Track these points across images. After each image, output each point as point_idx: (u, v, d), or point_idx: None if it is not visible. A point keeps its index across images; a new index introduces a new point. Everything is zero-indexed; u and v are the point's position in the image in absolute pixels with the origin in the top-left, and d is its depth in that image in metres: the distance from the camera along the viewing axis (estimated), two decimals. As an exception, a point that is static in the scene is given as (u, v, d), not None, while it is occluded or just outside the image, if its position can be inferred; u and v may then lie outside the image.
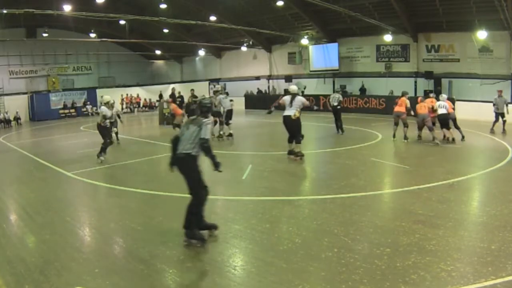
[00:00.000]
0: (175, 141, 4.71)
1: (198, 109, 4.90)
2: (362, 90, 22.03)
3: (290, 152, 9.26)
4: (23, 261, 4.34)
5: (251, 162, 9.14)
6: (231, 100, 13.26)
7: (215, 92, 13.75)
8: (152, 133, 15.96)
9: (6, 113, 22.85)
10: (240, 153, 10.39)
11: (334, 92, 14.96)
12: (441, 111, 11.04)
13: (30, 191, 7.49)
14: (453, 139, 10.99)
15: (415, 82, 20.02)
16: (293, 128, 8.95)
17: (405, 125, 11.29)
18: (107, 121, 9.81)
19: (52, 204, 6.55)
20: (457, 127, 11.42)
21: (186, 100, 17.84)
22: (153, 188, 7.22)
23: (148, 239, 4.90)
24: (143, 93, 29.87)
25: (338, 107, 13.23)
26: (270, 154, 10.44)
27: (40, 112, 24.55)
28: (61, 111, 25.73)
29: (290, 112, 8.83)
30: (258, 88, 27.39)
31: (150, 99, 29.74)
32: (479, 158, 9.89)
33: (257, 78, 27.42)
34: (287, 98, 9.03)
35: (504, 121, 12.61)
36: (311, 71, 24.13)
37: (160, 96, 26.57)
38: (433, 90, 15.38)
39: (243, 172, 8.17)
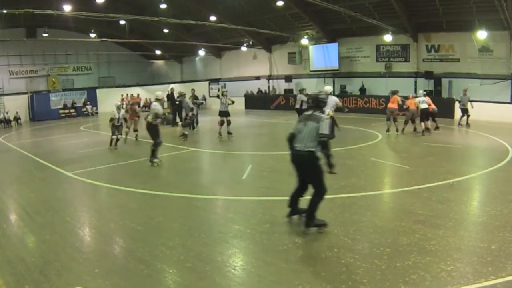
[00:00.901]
0: (292, 138, 4.71)
1: (314, 104, 4.77)
2: (362, 90, 22.04)
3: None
4: (23, 261, 4.34)
5: (251, 162, 9.14)
6: (233, 102, 13.69)
7: (223, 93, 14.11)
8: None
9: (6, 113, 22.84)
10: (240, 153, 10.39)
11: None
12: (423, 106, 12.49)
13: (30, 191, 7.49)
14: (437, 127, 13.23)
15: (415, 82, 20.02)
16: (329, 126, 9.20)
17: (395, 120, 12.63)
18: (158, 120, 9.08)
19: (52, 204, 6.55)
20: (434, 120, 13.28)
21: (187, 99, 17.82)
22: (153, 188, 7.21)
23: (148, 239, 4.90)
24: (143, 93, 29.86)
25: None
26: (270, 154, 10.44)
27: (40, 112, 24.55)
28: (61, 111, 25.72)
29: (326, 111, 9.15)
30: (259, 88, 27.40)
31: (150, 99, 29.72)
32: (479, 158, 9.89)
33: (257, 78, 27.42)
34: None
35: (468, 116, 14.38)
36: (311, 71, 24.14)
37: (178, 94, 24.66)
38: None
39: (243, 172, 8.17)
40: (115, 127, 11.67)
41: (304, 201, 5.03)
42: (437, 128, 13.34)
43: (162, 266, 4.21)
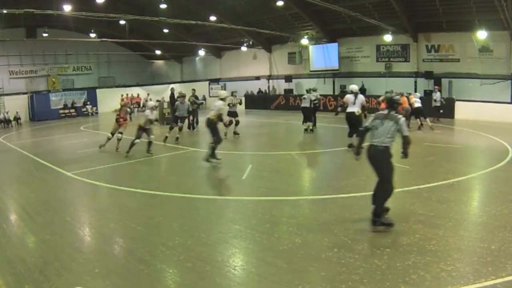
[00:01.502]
0: (365, 132, 5.11)
1: (388, 104, 5.10)
2: (362, 90, 22.01)
3: (350, 145, 9.90)
4: (23, 261, 4.34)
5: (251, 162, 9.13)
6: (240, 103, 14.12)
7: (233, 93, 14.26)
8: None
9: (6, 113, 22.83)
10: (240, 153, 10.39)
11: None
12: (417, 104, 13.49)
13: (30, 191, 7.49)
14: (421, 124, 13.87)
15: (415, 82, 20.01)
16: (356, 123, 9.57)
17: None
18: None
19: (52, 204, 6.55)
20: (425, 118, 14.08)
21: (187, 99, 17.84)
22: (153, 188, 7.21)
23: (148, 239, 4.90)
24: (143, 93, 29.87)
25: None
26: (270, 154, 10.44)
27: (40, 112, 24.53)
28: (61, 111, 25.70)
29: (354, 108, 9.69)
30: (259, 88, 27.39)
31: (150, 99, 29.72)
32: (479, 158, 9.89)
33: (257, 78, 27.41)
34: (350, 97, 9.81)
35: (441, 112, 15.78)
36: (311, 71, 24.13)
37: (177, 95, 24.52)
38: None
39: (243, 172, 8.17)
40: (144, 130, 10.38)
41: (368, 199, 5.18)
42: (421, 125, 14.08)
43: (162, 266, 4.21)
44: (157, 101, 16.12)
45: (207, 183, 8.17)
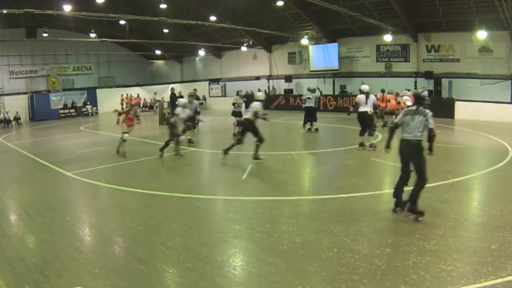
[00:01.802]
0: (394, 128, 5.50)
1: (416, 101, 5.43)
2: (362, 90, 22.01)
3: (361, 144, 10.24)
4: (23, 261, 4.34)
5: (251, 162, 9.14)
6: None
7: (238, 93, 14.42)
8: (152, 133, 15.95)
9: (6, 113, 22.83)
10: (240, 153, 10.38)
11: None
12: (408, 103, 13.38)
13: (30, 191, 7.49)
14: None
15: (415, 82, 20.00)
16: (368, 122, 10.01)
17: (381, 117, 13.55)
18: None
19: (52, 204, 6.55)
20: None
21: (186, 99, 17.83)
22: (153, 188, 7.21)
23: (148, 239, 4.90)
24: (143, 93, 29.87)
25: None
26: (270, 154, 10.44)
27: (40, 112, 24.54)
28: (61, 111, 25.71)
29: (367, 108, 9.95)
30: (259, 89, 27.33)
31: (151, 99, 29.74)
32: (479, 158, 9.89)
33: (257, 78, 27.40)
34: (361, 97, 10.11)
35: None
36: (311, 71, 24.13)
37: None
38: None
39: (243, 172, 8.17)
40: (175, 128, 10.03)
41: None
42: None
43: (162, 266, 4.21)
44: (157, 101, 16.12)
45: (207, 183, 8.17)
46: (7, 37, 20.69)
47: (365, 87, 10.33)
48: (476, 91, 17.57)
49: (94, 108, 27.30)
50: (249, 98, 26.22)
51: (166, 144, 10.05)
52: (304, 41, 22.44)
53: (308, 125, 13.98)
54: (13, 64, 26.76)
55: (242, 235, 4.94)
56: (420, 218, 5.13)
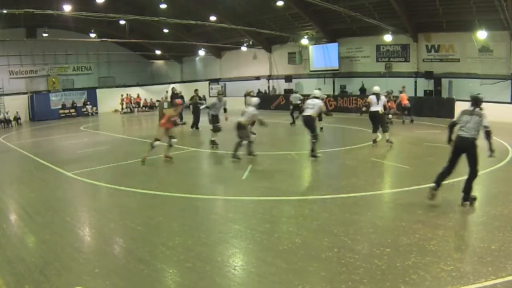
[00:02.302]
0: (452, 125, 5.96)
1: (473, 102, 5.88)
2: (362, 90, 22.03)
3: (374, 141, 10.84)
4: (23, 261, 4.34)
5: (251, 162, 9.14)
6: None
7: (250, 93, 14.55)
8: (152, 133, 15.90)
9: (6, 113, 22.84)
10: (240, 153, 10.37)
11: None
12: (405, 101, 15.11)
13: (30, 191, 7.49)
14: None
15: (415, 82, 20.01)
16: (380, 121, 10.56)
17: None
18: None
19: (52, 204, 6.55)
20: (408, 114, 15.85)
21: (186, 99, 17.85)
22: (153, 188, 7.21)
23: (148, 239, 4.90)
24: (143, 93, 29.87)
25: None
26: (270, 154, 10.44)
27: (40, 112, 24.55)
28: (61, 111, 25.71)
29: (378, 108, 10.43)
30: (259, 89, 27.38)
31: (151, 99, 29.74)
32: (479, 158, 9.86)
33: (257, 78, 27.40)
34: (373, 97, 10.59)
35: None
36: (311, 71, 24.13)
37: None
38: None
39: (243, 172, 8.17)
40: (244, 128, 9.57)
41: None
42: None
43: (162, 266, 4.21)
44: (157, 101, 16.11)
45: (207, 183, 8.17)
46: (7, 37, 20.69)
47: (376, 89, 10.81)
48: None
49: (94, 108, 27.31)
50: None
51: (238, 145, 9.54)
52: (304, 41, 22.44)
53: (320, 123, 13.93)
54: (13, 64, 26.77)
55: (242, 235, 4.94)
56: (473, 204, 5.72)
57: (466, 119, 5.81)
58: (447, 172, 5.90)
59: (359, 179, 7.46)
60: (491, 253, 4.14)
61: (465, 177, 5.83)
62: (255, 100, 10.29)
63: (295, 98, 16.36)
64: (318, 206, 6.12)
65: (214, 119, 11.95)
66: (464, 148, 5.77)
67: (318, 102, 9.52)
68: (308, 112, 9.42)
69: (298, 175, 8.51)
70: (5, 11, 13.14)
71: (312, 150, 9.33)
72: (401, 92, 15.95)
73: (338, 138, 13.73)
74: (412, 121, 15.71)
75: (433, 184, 5.84)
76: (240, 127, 9.45)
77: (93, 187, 7.69)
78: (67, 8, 15.48)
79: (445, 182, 6.95)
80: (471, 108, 5.86)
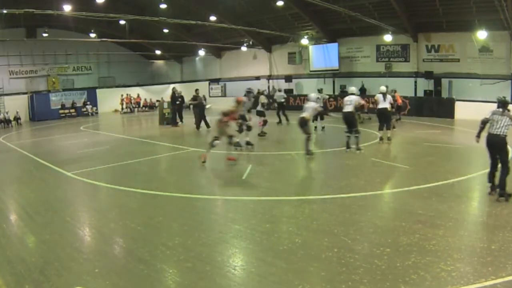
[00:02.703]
0: (485, 122, 6.33)
1: (501, 104, 6.26)
2: (362, 90, 22.02)
3: (381, 138, 11.33)
4: (23, 261, 4.34)
5: (251, 162, 9.14)
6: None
7: (263, 92, 14.38)
8: (152, 133, 15.95)
9: (6, 113, 22.82)
10: (241, 153, 10.38)
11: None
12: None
13: (30, 191, 7.50)
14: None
15: (415, 82, 20.00)
16: (387, 118, 11.01)
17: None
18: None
19: (52, 204, 6.55)
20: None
21: (186, 100, 17.86)
22: (153, 188, 7.21)
23: (148, 239, 4.90)
24: (143, 93, 29.86)
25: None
26: (270, 154, 10.44)
27: (40, 112, 24.52)
28: (61, 111, 25.70)
29: (386, 105, 10.88)
30: (258, 89, 27.34)
31: (151, 99, 29.73)
32: (479, 158, 9.86)
33: (257, 78, 27.38)
34: (380, 96, 11.00)
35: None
36: (311, 71, 24.12)
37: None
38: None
39: (243, 172, 8.17)
40: (308, 126, 9.76)
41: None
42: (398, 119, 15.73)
43: (162, 266, 4.21)
44: (157, 101, 16.08)
45: (207, 183, 8.17)
46: (7, 37, 20.66)
47: (382, 88, 11.20)
48: (476, 91, 17.55)
49: (94, 108, 27.30)
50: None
51: (308, 141, 9.63)
52: (304, 41, 22.43)
53: (315, 123, 13.91)
54: (13, 64, 26.75)
55: (242, 235, 4.94)
56: (508, 198, 5.86)
57: (497, 118, 6.21)
58: (493, 167, 6.24)
59: (359, 179, 7.46)
60: (491, 253, 4.14)
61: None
62: (314, 95, 10.83)
63: (279, 96, 16.49)
64: (318, 206, 6.12)
65: (261, 114, 12.52)
66: (495, 143, 6.17)
67: (355, 98, 10.20)
68: (348, 108, 10.04)
69: (298, 175, 8.51)
70: (5, 11, 13.13)
71: (351, 145, 10.06)
72: (394, 92, 16.00)
73: (338, 138, 13.68)
74: (399, 119, 16.05)
75: (489, 184, 6.23)
76: (303, 123, 9.78)
77: (93, 187, 7.69)
78: (67, 8, 15.47)
79: (445, 182, 6.99)
80: (501, 110, 6.28)
